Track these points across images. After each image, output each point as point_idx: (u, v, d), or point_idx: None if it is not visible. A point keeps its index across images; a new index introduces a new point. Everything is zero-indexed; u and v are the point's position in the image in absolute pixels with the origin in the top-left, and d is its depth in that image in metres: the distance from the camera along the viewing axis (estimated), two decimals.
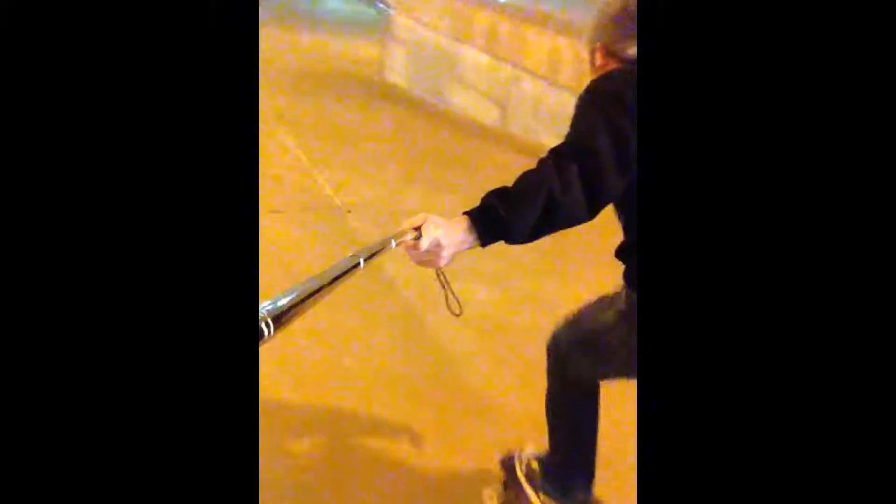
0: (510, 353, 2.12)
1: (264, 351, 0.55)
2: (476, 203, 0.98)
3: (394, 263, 2.36)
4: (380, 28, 6.18)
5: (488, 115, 4.92)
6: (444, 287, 1.05)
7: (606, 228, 1.22)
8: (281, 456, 1.49)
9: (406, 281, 2.41)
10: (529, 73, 4.57)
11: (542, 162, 0.98)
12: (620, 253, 1.21)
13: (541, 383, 1.40)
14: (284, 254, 2.51)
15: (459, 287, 1.08)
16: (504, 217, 0.94)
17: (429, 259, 0.94)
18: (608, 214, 1.13)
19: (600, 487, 1.42)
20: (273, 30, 6.23)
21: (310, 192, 3.29)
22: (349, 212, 3.09)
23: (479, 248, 0.99)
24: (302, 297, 0.65)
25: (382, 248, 0.85)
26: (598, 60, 1.21)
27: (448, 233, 0.92)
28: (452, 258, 0.95)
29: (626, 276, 1.20)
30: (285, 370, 1.77)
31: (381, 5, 6.63)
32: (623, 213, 1.20)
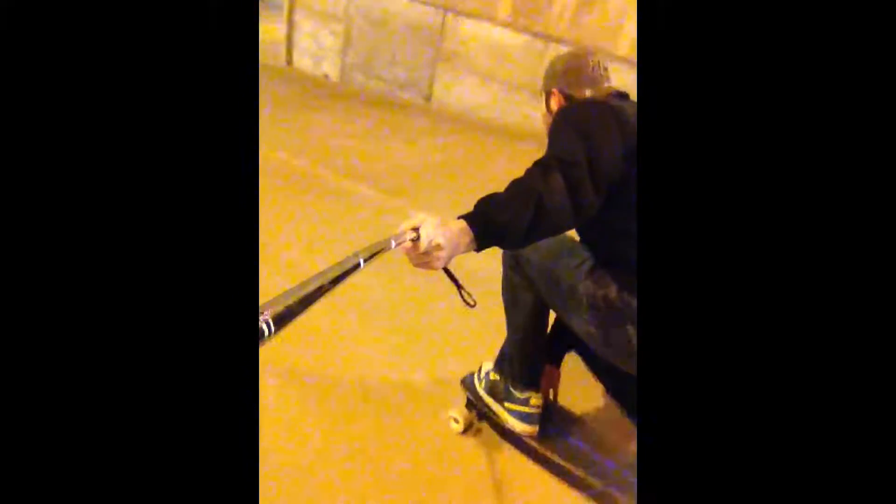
0: None
1: None
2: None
3: None
4: None
5: None
6: (454, 283, 1.09)
7: None
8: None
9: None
10: None
11: (528, 171, 1.07)
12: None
13: None
14: None
15: None
16: (498, 221, 0.99)
17: (427, 261, 0.95)
18: None
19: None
20: None
21: None
22: None
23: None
24: (302, 297, 0.65)
25: (382, 249, 0.86)
26: (554, 104, 1.40)
27: (446, 234, 0.93)
28: (449, 260, 0.97)
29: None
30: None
31: None
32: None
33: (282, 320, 0.60)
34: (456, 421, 1.64)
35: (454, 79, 5.34)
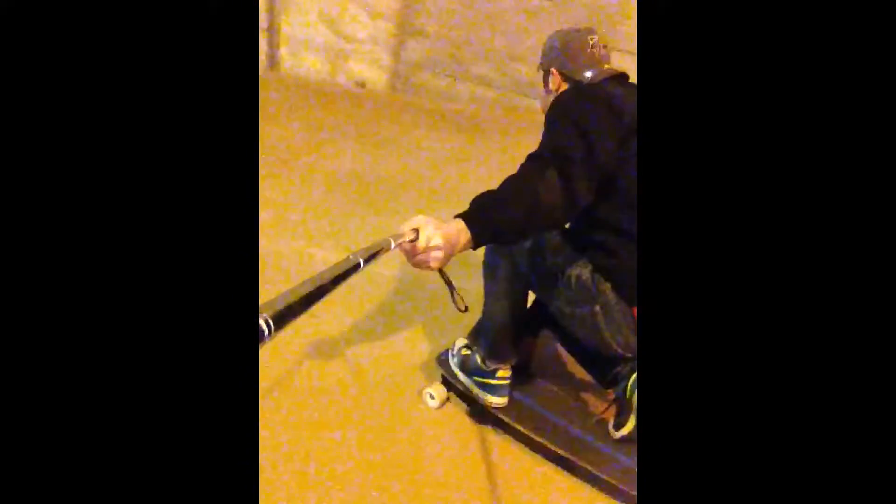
0: None
1: None
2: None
3: None
4: None
5: None
6: (448, 285, 1.09)
7: None
8: None
9: None
10: None
11: (523, 167, 1.09)
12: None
13: None
14: None
15: None
16: (496, 220, 1.00)
17: (425, 261, 0.95)
18: None
19: None
20: None
21: None
22: None
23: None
24: (302, 296, 0.65)
25: (382, 249, 0.86)
26: (553, 84, 1.40)
27: (444, 234, 0.94)
28: (447, 260, 0.97)
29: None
30: None
31: None
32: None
33: (282, 320, 0.59)
34: (432, 397, 1.68)
35: None
